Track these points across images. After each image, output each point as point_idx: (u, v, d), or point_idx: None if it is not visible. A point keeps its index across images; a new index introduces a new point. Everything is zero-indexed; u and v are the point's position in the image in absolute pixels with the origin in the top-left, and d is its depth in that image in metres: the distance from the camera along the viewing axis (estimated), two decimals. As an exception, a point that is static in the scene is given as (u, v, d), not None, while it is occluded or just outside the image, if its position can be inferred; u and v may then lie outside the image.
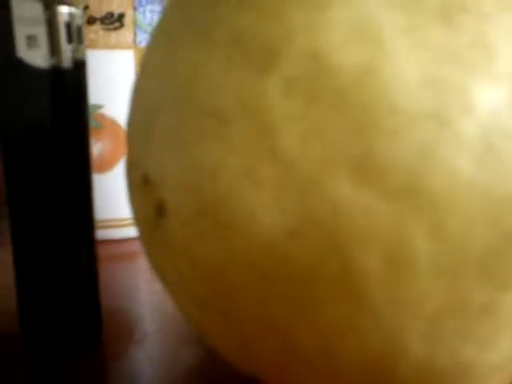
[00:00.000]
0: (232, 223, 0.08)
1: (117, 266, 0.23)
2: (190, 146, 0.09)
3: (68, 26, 0.14)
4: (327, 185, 0.08)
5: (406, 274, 0.07)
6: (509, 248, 0.07)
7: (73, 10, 0.14)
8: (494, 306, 0.08)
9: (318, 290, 0.08)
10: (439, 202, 0.07)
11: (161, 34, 0.11)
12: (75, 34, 0.14)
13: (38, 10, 0.13)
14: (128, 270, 0.23)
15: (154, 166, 0.10)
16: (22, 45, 0.14)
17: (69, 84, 0.14)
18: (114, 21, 0.24)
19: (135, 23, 0.24)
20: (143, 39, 0.25)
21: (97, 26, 0.24)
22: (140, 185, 0.10)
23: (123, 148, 0.25)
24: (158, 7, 0.25)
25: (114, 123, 0.25)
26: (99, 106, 0.24)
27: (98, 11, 0.23)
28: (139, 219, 0.11)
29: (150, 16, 0.25)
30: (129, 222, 0.26)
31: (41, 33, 0.14)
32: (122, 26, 0.24)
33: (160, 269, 0.11)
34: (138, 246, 0.26)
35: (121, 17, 0.24)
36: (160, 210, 0.10)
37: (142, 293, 0.21)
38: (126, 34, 0.24)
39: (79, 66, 0.14)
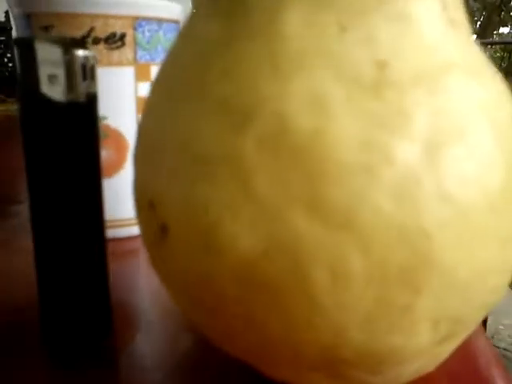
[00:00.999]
0: (219, 244, 0.11)
1: (120, 262, 0.26)
2: (186, 184, 0.11)
3: (83, 66, 0.16)
4: (289, 218, 0.10)
5: (346, 284, 0.10)
6: (420, 263, 0.10)
7: (87, 53, 0.16)
8: (411, 306, 0.10)
9: (283, 296, 0.11)
10: (368, 231, 0.10)
11: (163, 86, 0.13)
12: (89, 73, 0.16)
13: (58, 53, 0.16)
14: (129, 265, 0.26)
15: (159, 195, 0.12)
16: (44, 82, 0.16)
17: (83, 114, 0.17)
18: (116, 40, 0.26)
19: (135, 42, 0.27)
20: (142, 56, 0.27)
21: (101, 46, 0.26)
22: (147, 208, 0.13)
23: (125, 155, 0.28)
24: (155, 27, 0.27)
25: (117, 133, 0.27)
26: (104, 118, 0.27)
27: (102, 32, 0.26)
28: (146, 235, 0.13)
29: (148, 35, 0.27)
30: (130, 222, 0.29)
31: (60, 73, 0.16)
32: (123, 44, 0.26)
33: (162, 274, 0.14)
34: (138, 244, 0.28)
35: (122, 37, 0.26)
36: (163, 230, 0.12)
37: (144, 285, 0.23)
38: (127, 52, 0.27)
39: (92, 99, 0.17)
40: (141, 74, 0.27)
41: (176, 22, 0.29)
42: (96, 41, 0.26)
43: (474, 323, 0.12)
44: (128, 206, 0.28)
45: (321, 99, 0.10)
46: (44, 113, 0.17)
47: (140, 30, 0.27)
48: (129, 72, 0.27)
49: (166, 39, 0.28)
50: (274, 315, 0.11)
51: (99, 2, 0.26)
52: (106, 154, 0.27)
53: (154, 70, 0.28)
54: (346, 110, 0.10)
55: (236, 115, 0.11)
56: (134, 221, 0.29)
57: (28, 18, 0.26)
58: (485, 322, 1.38)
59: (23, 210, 0.34)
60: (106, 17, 0.26)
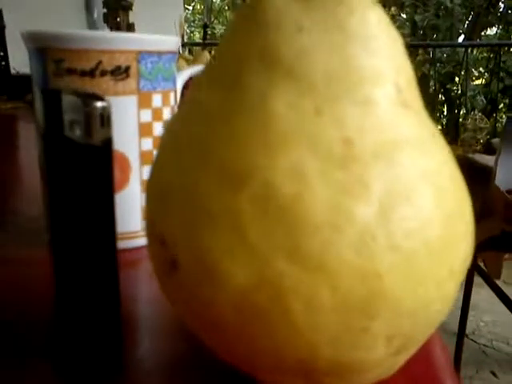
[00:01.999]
0: (220, 279, 0.14)
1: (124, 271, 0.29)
2: (193, 230, 0.14)
3: (101, 116, 0.19)
4: (274, 261, 0.13)
5: (318, 312, 0.13)
6: (374, 297, 0.13)
7: (104, 104, 0.19)
8: (368, 328, 0.14)
9: (269, 320, 0.14)
10: (336, 273, 0.13)
11: (172, 140, 0.16)
12: (106, 121, 0.19)
13: (79, 104, 0.19)
14: (133, 275, 0.29)
15: (170, 234, 0.15)
16: (67, 127, 0.19)
17: (99, 155, 0.20)
18: (121, 72, 0.29)
19: (139, 73, 0.30)
20: (145, 85, 0.30)
21: (108, 77, 0.29)
22: (158, 243, 0.16)
23: (128, 176, 0.31)
24: (156, 58, 0.30)
25: (121, 155, 0.30)
26: (109, 142, 0.30)
27: (109, 65, 0.29)
28: (157, 265, 0.16)
29: (150, 66, 0.30)
30: (128, 235, 0.32)
31: (81, 120, 0.19)
32: (128, 76, 0.29)
33: (171, 298, 0.16)
34: (143, 254, 0.31)
35: (127, 69, 0.29)
36: (173, 265, 0.15)
37: (147, 293, 0.26)
38: (131, 82, 0.30)
39: (107, 142, 0.20)
40: (143, 102, 0.30)
41: (173, 52, 0.32)
42: (103, 73, 0.29)
43: (422, 339, 0.16)
44: (127, 221, 0.31)
45: (300, 171, 0.13)
46: (66, 152, 0.19)
47: (143, 62, 0.30)
48: (132, 100, 0.30)
49: (165, 69, 0.31)
50: (261, 334, 0.14)
51: (106, 39, 0.28)
52: (110, 173, 0.30)
53: (155, 98, 0.31)
54: (319, 180, 0.13)
55: (234, 178, 0.14)
56: (133, 234, 0.32)
57: (42, 52, 0.28)
58: (465, 319, 1.42)
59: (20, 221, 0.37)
60: (113, 51, 0.29)
